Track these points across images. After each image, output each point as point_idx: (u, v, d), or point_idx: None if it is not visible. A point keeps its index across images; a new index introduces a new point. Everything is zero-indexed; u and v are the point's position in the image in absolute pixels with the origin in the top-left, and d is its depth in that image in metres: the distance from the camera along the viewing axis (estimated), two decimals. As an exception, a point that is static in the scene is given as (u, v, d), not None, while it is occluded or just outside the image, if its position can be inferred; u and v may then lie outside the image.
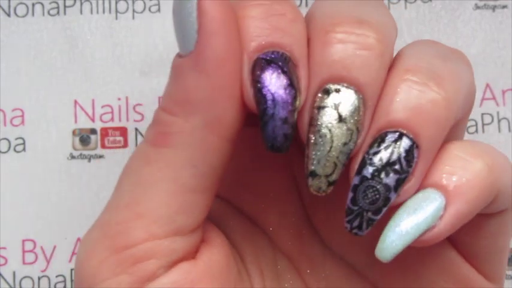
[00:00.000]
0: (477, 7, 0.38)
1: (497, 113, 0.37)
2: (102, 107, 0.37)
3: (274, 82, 0.22)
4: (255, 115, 0.23)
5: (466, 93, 0.24)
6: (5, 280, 0.36)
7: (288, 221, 0.28)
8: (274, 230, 0.28)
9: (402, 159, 0.22)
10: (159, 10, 0.38)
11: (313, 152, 0.22)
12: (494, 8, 0.38)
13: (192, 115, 0.23)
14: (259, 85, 0.22)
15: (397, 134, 0.22)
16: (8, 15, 0.37)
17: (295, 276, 0.28)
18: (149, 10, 0.38)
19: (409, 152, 0.22)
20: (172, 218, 0.23)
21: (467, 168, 0.22)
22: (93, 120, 0.37)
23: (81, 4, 0.37)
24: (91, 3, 0.37)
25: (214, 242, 0.25)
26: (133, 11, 0.38)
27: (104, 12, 0.37)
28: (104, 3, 0.38)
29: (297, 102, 0.22)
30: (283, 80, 0.22)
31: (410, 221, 0.22)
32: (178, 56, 0.23)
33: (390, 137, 0.22)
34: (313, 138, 0.22)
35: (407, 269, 0.26)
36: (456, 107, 0.23)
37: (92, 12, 0.37)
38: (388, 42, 0.23)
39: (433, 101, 0.22)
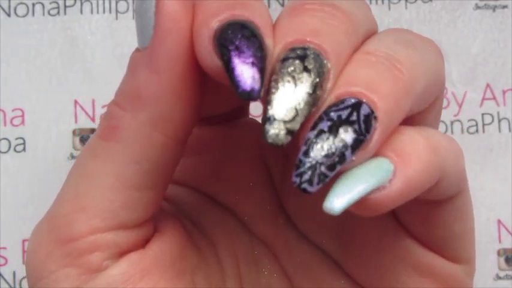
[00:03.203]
0: (477, 7, 0.38)
1: (498, 113, 0.37)
2: (103, 107, 0.37)
3: (236, 33, 0.21)
4: (215, 116, 0.23)
5: (427, 82, 0.23)
6: (5, 280, 0.36)
7: (263, 210, 0.28)
8: (250, 218, 0.28)
9: (361, 122, 0.21)
10: (159, 10, 0.38)
11: (274, 96, 0.21)
12: (494, 8, 0.38)
13: (140, 111, 0.22)
14: (220, 40, 0.21)
15: (357, 100, 0.21)
16: (8, 15, 0.37)
17: (272, 261, 0.28)
18: (149, 10, 0.38)
19: (367, 118, 0.21)
20: (115, 212, 0.23)
21: (415, 144, 0.22)
22: (93, 120, 0.37)
23: (82, 4, 0.37)
24: (91, 3, 0.37)
25: (166, 233, 0.25)
26: (134, 11, 0.38)
27: (104, 12, 0.37)
28: (104, 3, 0.38)
29: (262, 51, 0.21)
30: (246, 31, 0.21)
31: (360, 177, 0.21)
32: (136, 50, 0.23)
33: (351, 100, 0.21)
34: (274, 84, 0.21)
35: (369, 261, 0.26)
36: (413, 93, 0.22)
37: (92, 12, 0.37)
38: (355, 26, 0.22)
39: (392, 80, 0.22)
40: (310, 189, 0.20)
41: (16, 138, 0.36)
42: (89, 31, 0.37)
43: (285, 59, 0.21)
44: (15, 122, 0.37)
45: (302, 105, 0.21)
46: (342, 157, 0.21)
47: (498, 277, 0.36)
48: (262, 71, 0.21)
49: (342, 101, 0.21)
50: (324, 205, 0.20)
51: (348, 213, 0.21)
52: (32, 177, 0.36)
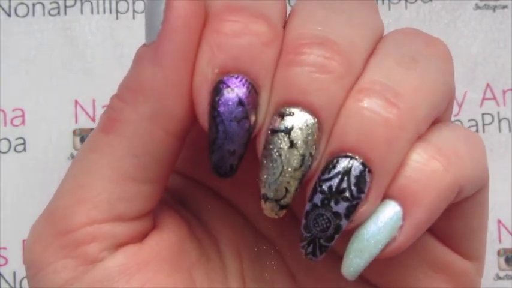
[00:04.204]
0: (477, 7, 0.38)
1: (498, 113, 0.37)
2: (103, 107, 0.37)
3: (230, 112, 0.22)
4: None
5: (432, 102, 0.23)
6: (6, 280, 0.36)
7: None
8: (254, 214, 0.28)
9: (352, 186, 0.22)
10: (159, 10, 0.38)
11: (265, 176, 0.22)
12: (494, 8, 0.38)
13: (141, 105, 0.23)
14: (214, 112, 0.22)
15: (348, 159, 0.22)
16: (9, 15, 0.37)
17: (276, 258, 0.28)
18: (149, 10, 0.38)
19: (360, 177, 0.22)
20: (112, 204, 0.23)
21: (422, 173, 0.22)
22: (93, 120, 0.37)
23: (82, 4, 0.37)
24: (91, 4, 0.37)
25: (166, 228, 0.25)
26: (134, 11, 0.38)
27: (104, 12, 0.37)
28: (104, 3, 0.38)
29: (249, 136, 0.22)
30: (239, 112, 0.22)
31: (370, 238, 0.22)
32: (143, 45, 0.23)
33: (341, 163, 0.22)
34: (265, 161, 0.22)
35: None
36: (415, 122, 0.22)
37: (92, 12, 0.37)
38: (352, 61, 0.22)
39: (386, 123, 0.22)
40: (315, 259, 0.23)
41: (16, 138, 0.36)
42: (89, 31, 0.37)
43: (273, 131, 0.22)
44: (15, 122, 0.37)
45: (291, 182, 0.22)
46: (337, 228, 0.22)
47: (498, 277, 0.36)
48: (240, 158, 0.22)
49: (334, 165, 0.22)
50: (341, 271, 0.23)
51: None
52: (32, 177, 0.36)
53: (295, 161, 0.22)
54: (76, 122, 0.37)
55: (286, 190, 0.22)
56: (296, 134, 0.22)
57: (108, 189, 0.23)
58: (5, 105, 0.37)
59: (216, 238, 0.27)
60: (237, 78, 0.22)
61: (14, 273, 0.36)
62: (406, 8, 0.38)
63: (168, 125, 0.23)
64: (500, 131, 0.37)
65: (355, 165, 0.22)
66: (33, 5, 0.37)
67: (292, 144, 0.22)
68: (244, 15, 0.22)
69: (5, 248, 0.36)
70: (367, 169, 0.22)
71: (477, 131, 0.37)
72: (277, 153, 0.22)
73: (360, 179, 0.22)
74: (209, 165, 0.23)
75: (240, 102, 0.22)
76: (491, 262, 0.36)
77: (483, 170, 0.24)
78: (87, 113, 0.37)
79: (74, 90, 0.37)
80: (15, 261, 0.36)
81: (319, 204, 0.22)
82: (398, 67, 0.23)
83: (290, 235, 0.28)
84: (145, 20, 0.23)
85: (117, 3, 0.38)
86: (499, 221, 0.36)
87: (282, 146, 0.22)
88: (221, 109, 0.22)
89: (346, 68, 0.22)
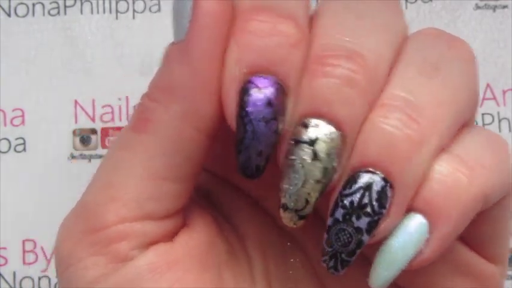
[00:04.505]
0: (477, 7, 0.38)
1: (498, 113, 0.37)
2: (103, 107, 0.37)
3: (258, 113, 0.22)
4: None
5: (456, 111, 0.23)
6: (5, 280, 0.36)
7: None
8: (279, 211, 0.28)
9: (374, 201, 0.22)
10: (159, 10, 0.38)
11: (286, 186, 0.22)
12: (494, 8, 0.38)
13: (171, 104, 0.23)
14: (243, 112, 0.22)
15: (369, 174, 0.22)
16: (9, 15, 0.37)
17: (301, 256, 0.28)
18: (149, 10, 0.38)
19: (381, 193, 0.22)
20: (142, 203, 0.23)
21: (446, 186, 0.22)
22: (93, 120, 0.37)
23: (82, 4, 0.37)
24: (91, 3, 0.37)
25: (196, 227, 0.25)
26: (134, 10, 0.38)
27: (104, 12, 0.37)
28: (104, 3, 0.38)
29: (277, 137, 0.22)
30: (268, 112, 0.22)
31: (398, 250, 0.22)
32: (171, 43, 0.23)
33: (363, 178, 0.22)
34: (286, 171, 0.22)
35: None
36: (438, 136, 0.22)
37: (92, 12, 0.37)
38: (378, 75, 0.22)
39: (407, 138, 0.22)
40: (337, 273, 0.23)
41: (16, 138, 0.36)
42: (89, 31, 0.37)
43: (297, 142, 0.22)
44: (15, 122, 0.37)
45: (312, 194, 0.22)
46: (359, 243, 0.22)
47: (498, 277, 0.36)
48: (267, 159, 0.22)
49: (355, 180, 0.22)
50: (369, 283, 0.23)
51: None
52: (32, 177, 0.36)
53: (318, 173, 0.22)
54: (76, 122, 0.37)
55: (307, 201, 0.22)
56: (320, 146, 0.22)
57: (138, 188, 0.23)
58: (5, 105, 0.37)
59: (243, 237, 0.27)
60: (265, 78, 0.22)
61: (14, 273, 0.36)
62: (406, 8, 0.38)
63: (198, 123, 0.23)
64: (500, 131, 0.37)
65: (377, 181, 0.22)
66: (33, 5, 0.37)
67: (315, 157, 0.22)
68: (271, 15, 0.22)
69: (5, 248, 0.36)
70: (388, 184, 0.22)
71: (477, 131, 0.37)
72: (300, 164, 0.22)
73: (382, 194, 0.22)
74: (236, 165, 0.23)
75: (269, 103, 0.22)
76: (491, 262, 0.36)
77: (508, 176, 0.24)
78: (87, 113, 0.37)
79: (73, 90, 0.37)
80: (15, 261, 0.36)
81: (340, 219, 0.22)
82: (420, 77, 0.23)
83: (316, 236, 0.28)
84: (173, 19, 0.23)
85: (117, 3, 0.38)
86: (499, 221, 0.36)
87: (305, 157, 0.22)
88: (249, 109, 0.22)
89: (372, 82, 0.22)
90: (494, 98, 0.37)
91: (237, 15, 0.23)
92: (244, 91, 0.22)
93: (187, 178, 0.24)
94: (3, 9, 0.37)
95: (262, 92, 0.22)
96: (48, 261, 0.36)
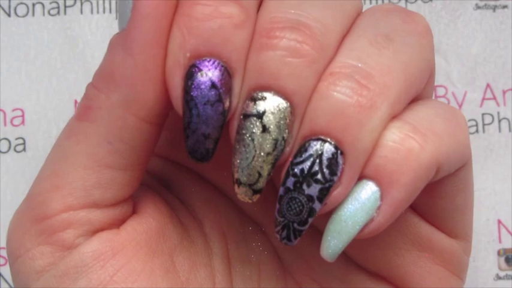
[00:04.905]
0: (478, 7, 0.38)
1: (498, 113, 0.37)
2: (103, 107, 0.37)
3: (203, 96, 0.22)
4: None
5: (407, 80, 0.23)
6: (5, 280, 0.36)
7: None
8: None
9: (325, 169, 0.22)
10: (159, 10, 0.38)
11: (238, 161, 0.22)
12: (494, 8, 0.38)
13: (113, 92, 0.23)
14: (188, 96, 0.22)
15: (320, 142, 0.22)
16: (8, 15, 0.37)
17: (263, 239, 0.28)
18: (149, 10, 0.37)
19: (332, 160, 0.22)
20: (88, 191, 0.23)
21: (397, 152, 0.22)
22: (93, 120, 0.37)
23: (82, 4, 0.37)
24: (91, 3, 0.37)
25: (145, 213, 0.25)
26: None
27: (104, 12, 0.37)
28: (104, 3, 0.38)
29: (223, 118, 0.22)
30: (212, 95, 0.22)
31: (348, 219, 0.22)
32: (116, 33, 0.23)
33: (313, 146, 0.22)
34: (237, 146, 0.22)
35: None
36: (388, 102, 0.22)
37: (92, 12, 0.37)
38: (325, 45, 0.22)
39: (356, 104, 0.22)
40: (290, 244, 0.23)
41: (16, 138, 0.36)
42: (89, 31, 0.37)
43: (246, 116, 0.22)
44: (15, 122, 0.37)
45: (264, 167, 0.22)
46: (311, 211, 0.22)
47: (498, 277, 0.36)
48: (216, 141, 0.22)
49: (306, 149, 0.22)
50: (320, 253, 0.22)
51: None
52: (32, 177, 0.36)
53: (268, 146, 0.22)
54: (76, 122, 0.37)
55: (259, 175, 0.22)
56: (268, 119, 0.22)
57: (83, 176, 0.23)
58: (4, 105, 0.37)
59: (201, 221, 0.27)
60: (209, 61, 0.22)
61: (14, 273, 0.36)
62: (406, 8, 0.38)
63: (140, 111, 0.23)
64: (500, 131, 0.37)
65: (327, 148, 0.22)
66: (33, 5, 0.37)
67: (264, 129, 0.22)
68: None
69: (4, 248, 0.36)
70: (339, 151, 0.22)
71: (477, 131, 0.37)
72: (249, 138, 0.22)
73: (332, 162, 0.22)
74: (185, 150, 0.23)
75: (213, 86, 0.22)
76: (491, 262, 0.36)
77: (464, 146, 0.24)
78: (87, 113, 0.37)
79: (73, 90, 0.37)
80: (15, 261, 0.36)
81: (291, 187, 0.22)
82: (370, 47, 0.23)
83: (274, 215, 0.28)
84: (118, 8, 0.23)
85: (116, 3, 0.38)
86: (499, 221, 0.36)
87: (254, 130, 0.22)
88: (194, 93, 0.22)
89: (319, 52, 0.22)
90: (494, 98, 0.37)
91: (180, 1, 0.22)
92: (188, 75, 0.22)
93: (134, 166, 0.24)
94: (3, 9, 0.37)
95: (205, 75, 0.22)
96: (48, 261, 0.36)
